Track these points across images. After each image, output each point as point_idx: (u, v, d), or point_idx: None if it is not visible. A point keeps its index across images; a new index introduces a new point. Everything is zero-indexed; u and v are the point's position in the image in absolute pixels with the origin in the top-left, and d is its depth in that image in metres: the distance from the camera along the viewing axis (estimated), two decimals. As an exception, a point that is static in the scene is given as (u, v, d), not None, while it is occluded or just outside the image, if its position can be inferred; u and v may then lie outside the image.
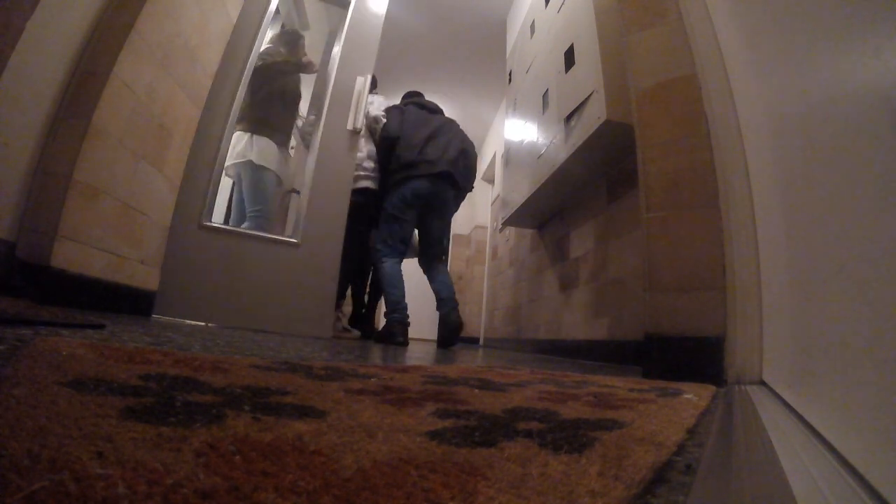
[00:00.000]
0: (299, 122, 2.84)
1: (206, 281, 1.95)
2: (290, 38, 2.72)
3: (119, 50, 1.39)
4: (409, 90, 3.04)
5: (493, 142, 5.88)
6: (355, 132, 2.35)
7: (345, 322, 3.09)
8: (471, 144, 2.75)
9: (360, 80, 2.41)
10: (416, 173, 2.48)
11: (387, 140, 2.59)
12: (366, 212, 2.61)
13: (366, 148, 2.65)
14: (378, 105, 2.75)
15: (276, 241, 2.16)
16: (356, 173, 2.53)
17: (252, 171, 2.48)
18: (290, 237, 2.20)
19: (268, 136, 2.51)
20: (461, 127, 2.83)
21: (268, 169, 2.51)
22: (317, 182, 2.27)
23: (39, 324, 0.77)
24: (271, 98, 2.54)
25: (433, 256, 2.63)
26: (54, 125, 1.31)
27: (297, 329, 2.07)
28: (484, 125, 6.19)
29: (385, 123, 2.63)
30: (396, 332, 2.34)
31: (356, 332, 3.00)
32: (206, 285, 1.95)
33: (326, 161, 2.31)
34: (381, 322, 2.68)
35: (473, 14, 4.16)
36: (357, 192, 2.50)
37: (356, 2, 2.54)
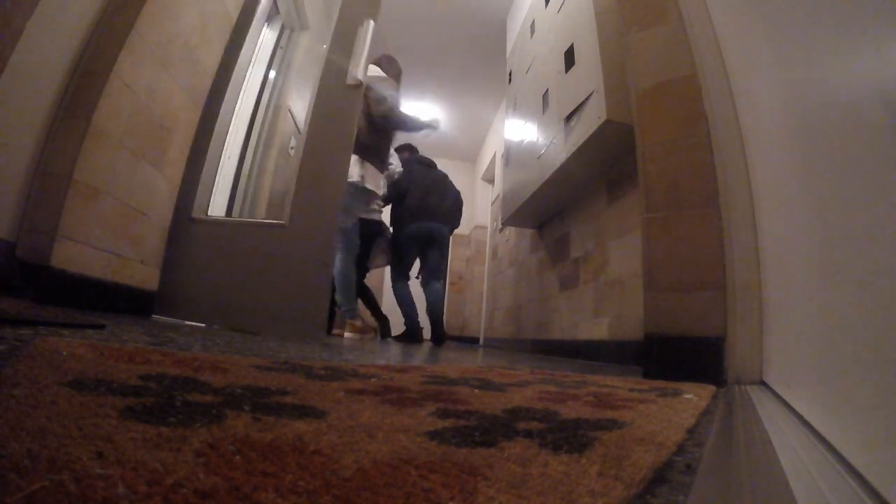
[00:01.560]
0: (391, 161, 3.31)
1: (206, 281, 1.95)
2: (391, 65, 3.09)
3: (119, 50, 1.39)
4: (402, 144, 3.70)
5: (493, 142, 5.87)
6: (357, 86, 1.92)
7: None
8: (458, 193, 3.61)
9: (362, 26, 1.95)
10: (420, 217, 3.27)
11: (399, 194, 3.35)
12: (373, 239, 3.10)
13: (382, 190, 3.14)
14: (396, 164, 3.39)
15: (263, 224, 1.98)
16: (375, 205, 3.02)
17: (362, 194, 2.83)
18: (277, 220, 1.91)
19: (369, 162, 2.81)
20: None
21: (375, 193, 2.91)
22: (310, 147, 1.87)
23: (39, 324, 0.77)
24: (372, 124, 2.80)
25: (430, 278, 3.43)
26: (54, 125, 1.31)
27: (295, 326, 2.03)
28: (484, 125, 6.18)
29: (397, 180, 3.34)
30: (413, 335, 3.24)
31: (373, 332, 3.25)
32: (206, 285, 1.94)
33: (323, 121, 1.88)
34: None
35: (473, 14, 4.16)
36: (370, 223, 2.99)
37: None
